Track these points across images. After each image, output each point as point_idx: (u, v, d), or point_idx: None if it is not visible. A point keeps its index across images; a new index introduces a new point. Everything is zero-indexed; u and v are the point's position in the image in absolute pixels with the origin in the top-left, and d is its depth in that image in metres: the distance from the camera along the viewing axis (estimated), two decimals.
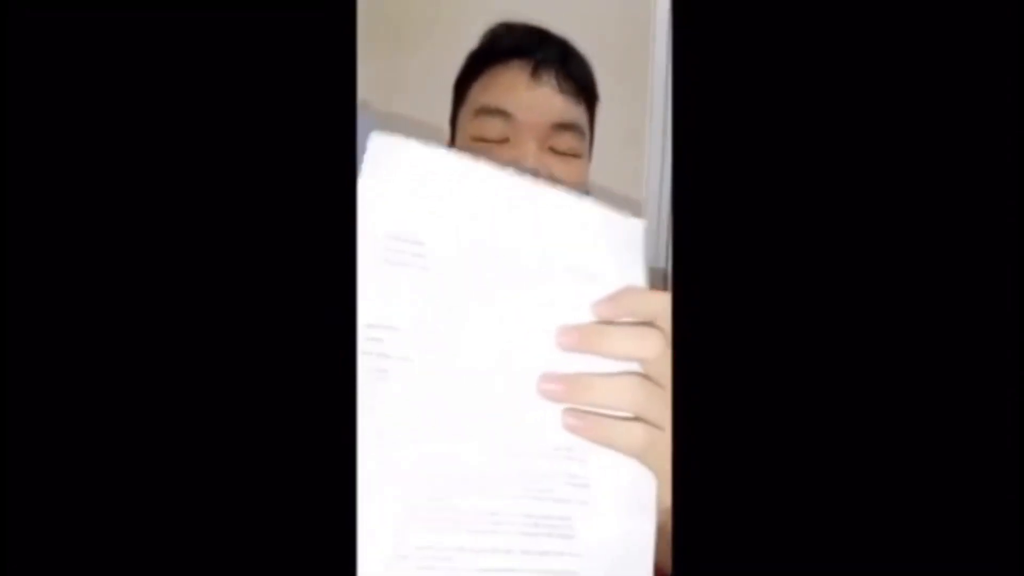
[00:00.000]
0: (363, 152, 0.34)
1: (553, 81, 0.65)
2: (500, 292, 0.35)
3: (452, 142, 0.71)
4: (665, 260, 1.10)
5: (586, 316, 0.36)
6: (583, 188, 0.68)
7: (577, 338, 0.36)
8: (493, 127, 0.64)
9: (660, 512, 0.36)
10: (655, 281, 0.38)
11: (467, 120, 0.68)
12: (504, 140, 0.64)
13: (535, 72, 0.65)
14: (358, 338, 0.32)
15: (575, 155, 0.66)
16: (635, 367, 0.35)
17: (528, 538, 0.35)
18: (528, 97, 0.65)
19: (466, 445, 0.34)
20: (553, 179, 0.57)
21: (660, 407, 0.34)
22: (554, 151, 0.65)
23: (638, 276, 0.37)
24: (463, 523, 0.34)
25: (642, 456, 0.35)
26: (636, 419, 0.34)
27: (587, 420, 0.35)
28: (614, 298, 0.36)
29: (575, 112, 0.67)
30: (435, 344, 0.34)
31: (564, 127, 0.65)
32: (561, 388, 0.35)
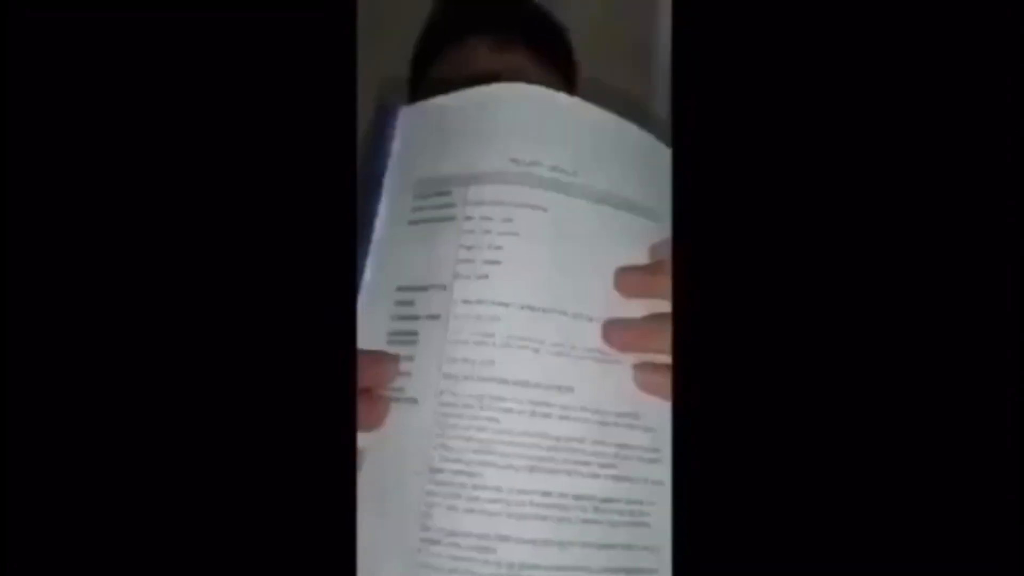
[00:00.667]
0: (387, 129, 0.32)
1: (523, 51, 0.57)
2: (543, 235, 0.30)
3: None
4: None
5: (643, 257, 0.31)
6: None
7: (644, 281, 0.29)
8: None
9: None
10: None
11: None
12: None
13: (502, 40, 0.57)
14: (390, 304, 0.30)
15: None
16: None
17: (590, 527, 0.28)
18: (496, 67, 0.56)
19: (505, 412, 0.28)
20: None
21: None
22: None
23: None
24: (505, 506, 0.28)
25: None
26: None
27: (669, 375, 0.28)
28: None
29: (551, 81, 0.57)
30: (470, 300, 0.29)
31: None
32: (633, 336, 0.29)
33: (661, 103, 1.05)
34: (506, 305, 0.29)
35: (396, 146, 0.32)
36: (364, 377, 0.29)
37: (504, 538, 0.27)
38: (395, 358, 0.30)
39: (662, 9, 1.00)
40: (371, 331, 0.30)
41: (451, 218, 0.30)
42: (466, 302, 0.29)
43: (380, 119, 0.33)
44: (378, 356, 0.30)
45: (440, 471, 0.28)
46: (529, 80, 0.52)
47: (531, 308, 0.29)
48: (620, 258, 0.31)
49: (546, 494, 0.28)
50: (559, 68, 0.59)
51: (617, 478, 0.29)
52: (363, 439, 0.29)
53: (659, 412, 0.29)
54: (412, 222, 0.31)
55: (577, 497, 0.28)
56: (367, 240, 0.31)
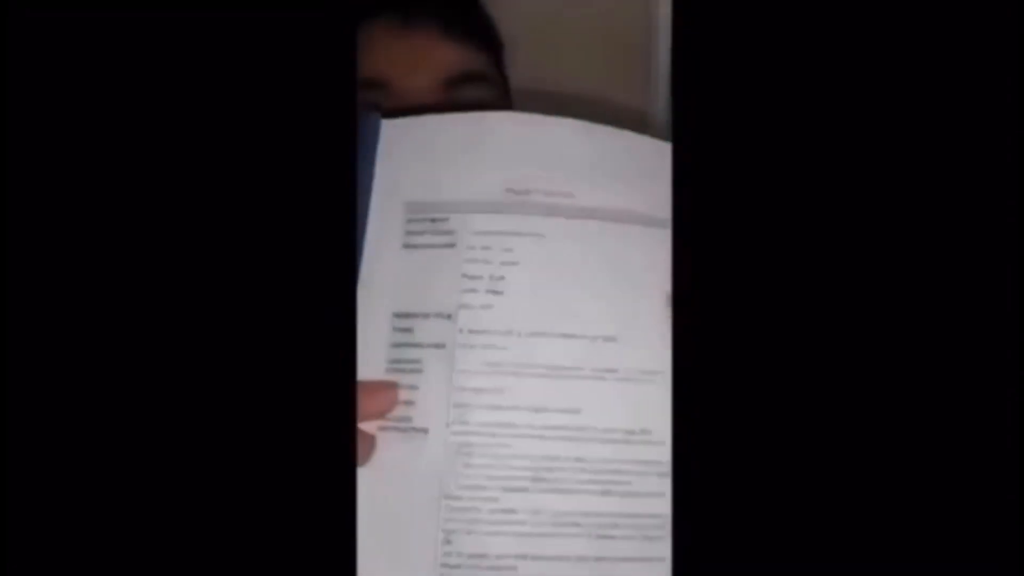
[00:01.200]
0: (368, 142, 0.32)
1: (434, 27, 0.49)
2: (542, 261, 0.31)
3: None
4: None
5: (659, 271, 0.30)
6: None
7: None
8: (368, 106, 0.45)
9: None
10: None
11: None
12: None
13: (408, 21, 0.49)
14: (386, 330, 0.30)
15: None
16: None
17: (606, 542, 0.29)
18: (405, 53, 0.48)
19: (516, 437, 0.29)
20: None
21: None
22: None
23: None
24: (523, 526, 0.29)
25: None
26: None
27: None
28: None
29: (474, 59, 0.51)
30: (475, 329, 0.30)
31: (463, 79, 0.49)
32: None
33: (660, 108, 1.04)
34: (512, 334, 0.30)
35: (380, 161, 0.32)
36: (366, 407, 0.29)
37: (523, 556, 0.29)
38: (393, 384, 0.30)
39: (662, 11, 1.00)
40: (366, 356, 0.30)
41: (451, 245, 0.31)
42: (472, 332, 0.30)
43: (362, 136, 0.33)
44: (379, 385, 0.30)
45: (457, 498, 0.29)
46: (440, 55, 0.48)
47: (536, 335, 0.30)
48: (630, 272, 0.31)
49: (559, 513, 0.29)
50: (476, 40, 0.52)
51: (631, 494, 0.30)
52: (366, 471, 0.29)
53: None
54: (407, 246, 0.31)
55: (589, 514, 0.29)
56: (359, 259, 0.31)
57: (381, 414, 0.30)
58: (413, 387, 0.30)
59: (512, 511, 0.29)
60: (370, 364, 0.30)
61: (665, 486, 0.30)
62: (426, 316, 0.31)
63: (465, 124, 0.33)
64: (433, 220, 0.31)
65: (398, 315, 0.31)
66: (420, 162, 0.32)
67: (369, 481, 0.29)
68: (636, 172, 0.33)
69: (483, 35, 0.54)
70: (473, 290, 0.31)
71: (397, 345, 0.30)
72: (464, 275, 0.31)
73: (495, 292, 0.31)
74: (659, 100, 1.06)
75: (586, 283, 0.31)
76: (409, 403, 0.30)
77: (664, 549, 0.29)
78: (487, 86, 0.51)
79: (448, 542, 0.28)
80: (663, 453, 0.30)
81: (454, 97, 0.48)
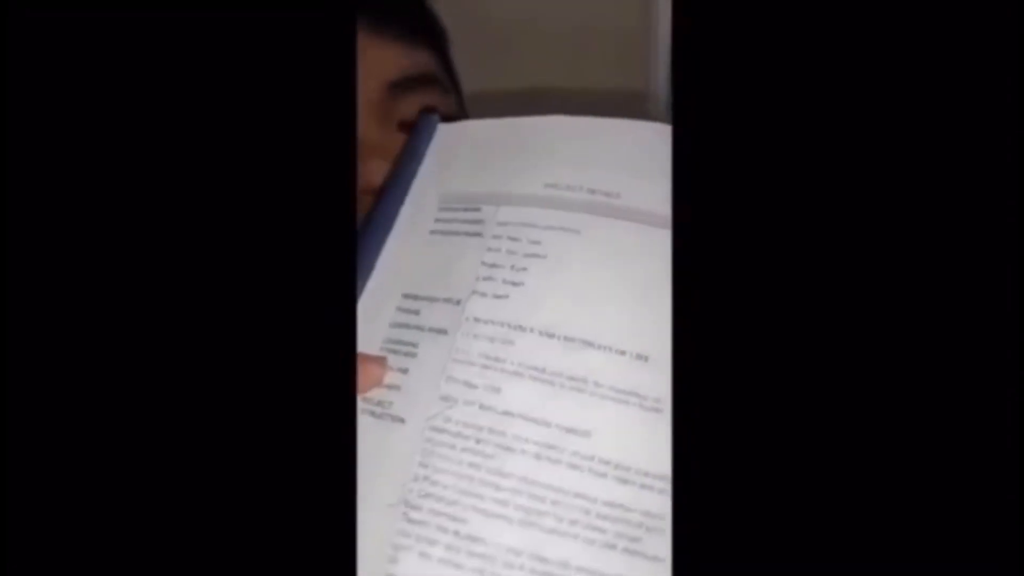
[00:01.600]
0: (422, 142, 0.33)
1: (364, 26, 0.40)
2: (573, 258, 0.28)
3: None
4: None
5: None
6: None
7: None
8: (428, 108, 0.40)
9: None
10: None
11: None
12: None
13: None
14: (390, 310, 0.28)
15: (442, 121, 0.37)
16: None
17: None
18: None
19: (504, 449, 0.25)
20: None
21: None
22: (407, 126, 0.37)
23: None
24: (489, 563, 0.23)
25: None
26: None
27: None
28: None
29: (418, 58, 0.43)
30: (482, 318, 0.27)
31: (409, 83, 0.41)
32: None
33: (659, 104, 1.04)
34: (522, 329, 0.26)
35: (428, 160, 0.32)
36: None
37: None
38: (382, 361, 0.27)
39: (661, 8, 1.00)
40: (365, 337, 0.28)
41: (477, 234, 0.29)
42: (478, 320, 0.27)
43: (416, 135, 0.33)
44: (363, 358, 0.27)
45: (417, 508, 0.24)
46: (375, 57, 0.40)
47: (550, 336, 0.26)
48: (651, 279, 0.27)
49: (541, 559, 0.23)
50: (417, 37, 0.44)
51: (638, 554, 0.23)
52: None
53: None
54: (433, 232, 0.30)
55: (582, 570, 0.23)
56: (381, 245, 0.31)
57: (360, 391, 0.27)
58: (403, 370, 0.27)
59: (482, 540, 0.23)
60: (365, 343, 0.28)
61: None
62: (434, 300, 0.28)
63: (515, 127, 0.32)
64: (465, 209, 0.30)
65: (407, 296, 0.28)
66: (463, 160, 0.32)
67: None
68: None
69: (425, 30, 0.46)
70: (490, 278, 0.28)
71: (398, 325, 0.28)
72: (483, 263, 0.28)
73: (514, 283, 0.27)
74: (659, 85, 1.05)
75: (621, 289, 0.27)
76: (393, 387, 0.26)
77: None
78: (441, 88, 0.44)
79: (394, 561, 0.23)
80: None
81: (399, 106, 0.41)
